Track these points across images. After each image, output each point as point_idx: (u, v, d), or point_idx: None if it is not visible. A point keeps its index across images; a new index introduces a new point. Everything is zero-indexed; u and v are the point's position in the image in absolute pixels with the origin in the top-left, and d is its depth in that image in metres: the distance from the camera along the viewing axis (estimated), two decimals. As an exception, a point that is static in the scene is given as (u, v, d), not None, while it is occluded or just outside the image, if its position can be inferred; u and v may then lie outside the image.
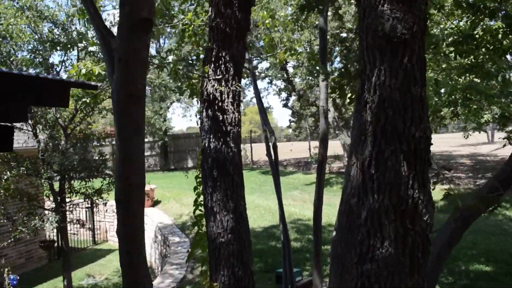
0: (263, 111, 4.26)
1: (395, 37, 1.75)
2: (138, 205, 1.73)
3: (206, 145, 3.33)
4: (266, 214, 11.21)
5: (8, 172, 7.83)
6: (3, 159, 8.17)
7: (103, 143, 9.57)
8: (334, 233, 4.28)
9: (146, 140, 22.27)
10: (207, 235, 3.35)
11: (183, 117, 55.28)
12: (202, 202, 3.45)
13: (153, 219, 12.66)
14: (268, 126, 4.22)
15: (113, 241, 14.50)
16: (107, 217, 14.08)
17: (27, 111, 4.82)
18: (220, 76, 3.28)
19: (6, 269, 9.13)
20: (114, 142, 16.89)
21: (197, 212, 3.62)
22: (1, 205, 8.39)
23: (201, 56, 3.73)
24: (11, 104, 4.18)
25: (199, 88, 3.42)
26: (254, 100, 40.96)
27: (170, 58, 3.13)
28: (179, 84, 3.36)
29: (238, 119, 3.38)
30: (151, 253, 12.31)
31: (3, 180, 7.89)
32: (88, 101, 4.95)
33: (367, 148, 1.77)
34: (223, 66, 3.31)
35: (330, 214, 11.29)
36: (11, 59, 8.19)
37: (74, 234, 12.68)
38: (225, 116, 3.31)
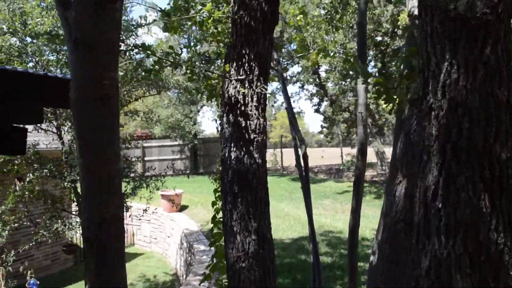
0: (293, 117, 3.81)
1: (473, 18, 1.25)
2: (117, 245, 1.29)
3: (226, 154, 2.91)
4: (295, 224, 10.72)
5: (30, 174, 7.66)
6: (27, 160, 8.03)
7: (129, 145, 9.32)
8: (371, 258, 3.78)
9: (175, 143, 22.18)
10: (226, 258, 2.92)
11: (213, 121, 55.13)
12: (222, 220, 3.03)
13: (180, 224, 12.42)
14: (298, 133, 3.78)
15: (140, 245, 14.41)
16: (134, 221, 13.94)
17: (42, 112, 4.51)
18: (243, 76, 2.86)
19: (29, 272, 9.00)
20: (145, 144, 16.77)
21: (215, 230, 3.19)
22: (25, 207, 8.24)
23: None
24: (22, 104, 3.89)
25: (219, 90, 3.00)
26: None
27: (185, 54, 2.75)
28: (197, 85, 2.97)
29: (263, 125, 2.94)
30: (177, 260, 12.07)
31: (26, 182, 7.73)
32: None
33: (432, 173, 1.26)
34: (246, 65, 2.89)
35: (363, 226, 10.71)
36: (37, 59, 8.05)
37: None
38: (248, 122, 2.89)
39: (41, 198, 8.24)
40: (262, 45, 2.96)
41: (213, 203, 3.21)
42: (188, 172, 21.76)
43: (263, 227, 2.86)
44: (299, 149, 3.79)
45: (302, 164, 3.79)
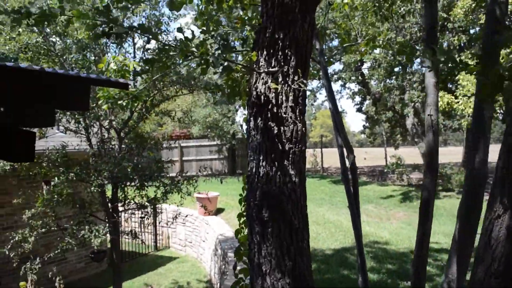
0: (339, 122, 3.10)
1: None
2: None
3: (254, 170, 2.24)
4: (337, 233, 9.93)
5: (56, 178, 7.28)
6: (54, 163, 7.68)
7: (161, 147, 8.84)
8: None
9: (213, 143, 21.76)
10: (252, 304, 2.26)
11: (235, 123, 54.27)
12: (248, 253, 2.36)
13: (214, 229, 11.92)
14: (345, 140, 3.06)
15: (175, 248, 14.05)
16: (172, 219, 13.60)
17: (53, 114, 3.99)
18: (275, 68, 2.18)
19: (57, 278, 8.70)
20: (183, 144, 16.43)
21: (240, 266, 2.52)
22: (52, 211, 7.88)
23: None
24: (28, 104, 3.40)
25: (245, 86, 2.33)
26: (326, 103, 39.33)
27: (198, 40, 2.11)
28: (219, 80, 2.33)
29: (301, 132, 2.25)
30: (211, 266, 11.57)
31: (52, 186, 7.37)
32: (124, 103, 4.08)
33: None
34: (280, 53, 2.21)
35: (412, 237, 9.80)
36: (65, 57, 7.67)
37: (138, 237, 12.34)
38: (282, 128, 2.21)
39: (70, 202, 7.88)
40: (300, 28, 2.28)
41: (237, 232, 2.53)
42: (225, 172, 21.26)
43: (300, 266, 2.17)
44: (346, 160, 3.07)
45: (350, 177, 3.07)
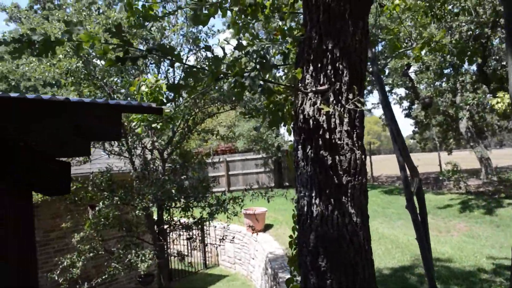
0: (398, 136, 2.68)
1: None
2: None
3: (306, 209, 1.87)
4: (393, 249, 9.31)
5: (101, 203, 7.18)
6: (99, 187, 7.62)
7: (205, 166, 8.63)
8: None
9: (259, 156, 21.50)
10: None
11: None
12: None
13: (264, 247, 11.56)
14: (408, 160, 2.64)
15: (224, 266, 13.81)
16: (217, 241, 13.39)
17: (89, 145, 3.79)
18: (325, 86, 1.81)
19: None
20: (228, 159, 16.28)
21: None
22: (99, 235, 7.81)
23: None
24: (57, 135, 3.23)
25: (290, 110, 1.97)
26: (373, 111, 38.24)
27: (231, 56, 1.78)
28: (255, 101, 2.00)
29: (361, 161, 1.86)
30: (262, 286, 11.20)
31: (96, 211, 7.28)
32: (159, 126, 3.86)
33: None
34: (330, 67, 1.84)
35: (476, 251, 9.02)
36: (105, 81, 7.62)
37: (186, 255, 12.20)
38: (337, 157, 1.83)
39: (117, 225, 7.79)
40: (352, 36, 1.90)
41: (288, 282, 2.15)
42: (271, 188, 20.88)
43: (368, 326, 1.77)
44: (411, 185, 2.64)
45: (417, 206, 2.64)
